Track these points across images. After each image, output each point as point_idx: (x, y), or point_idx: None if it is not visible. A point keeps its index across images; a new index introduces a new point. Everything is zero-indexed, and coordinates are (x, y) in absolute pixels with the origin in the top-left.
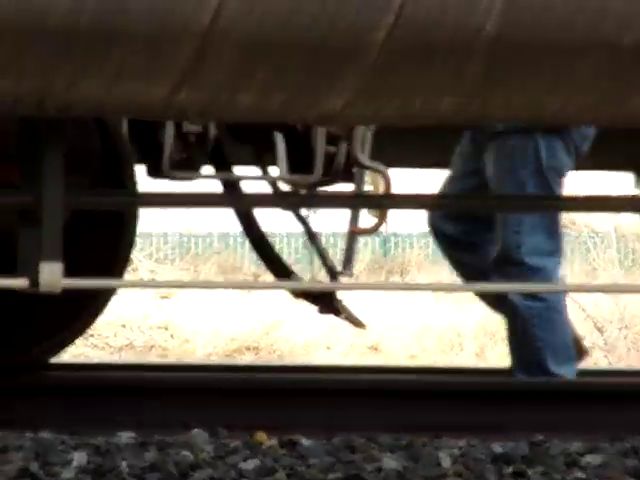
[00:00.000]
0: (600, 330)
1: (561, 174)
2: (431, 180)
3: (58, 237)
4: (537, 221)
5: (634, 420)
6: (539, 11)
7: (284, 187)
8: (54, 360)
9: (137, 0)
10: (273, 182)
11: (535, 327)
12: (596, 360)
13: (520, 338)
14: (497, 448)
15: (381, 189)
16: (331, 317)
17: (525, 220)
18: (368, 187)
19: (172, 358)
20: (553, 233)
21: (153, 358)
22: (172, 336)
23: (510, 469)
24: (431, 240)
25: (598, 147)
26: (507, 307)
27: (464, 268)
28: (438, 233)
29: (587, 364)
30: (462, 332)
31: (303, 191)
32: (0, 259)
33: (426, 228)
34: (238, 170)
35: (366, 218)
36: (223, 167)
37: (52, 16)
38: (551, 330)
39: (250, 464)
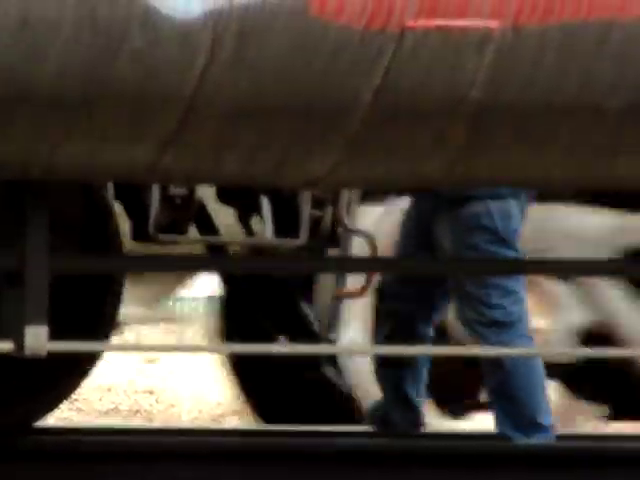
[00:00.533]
0: None
1: (518, 232)
2: None
3: (43, 300)
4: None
5: None
6: (523, 78)
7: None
8: (38, 424)
9: (121, 68)
10: (259, 245)
11: (525, 380)
12: None
13: (511, 396)
14: None
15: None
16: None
17: (491, 281)
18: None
19: (157, 422)
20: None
21: (138, 422)
22: (157, 400)
23: None
24: None
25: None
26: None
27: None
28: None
29: None
30: None
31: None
32: None
33: None
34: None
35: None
36: (209, 230)
37: (38, 82)
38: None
39: None
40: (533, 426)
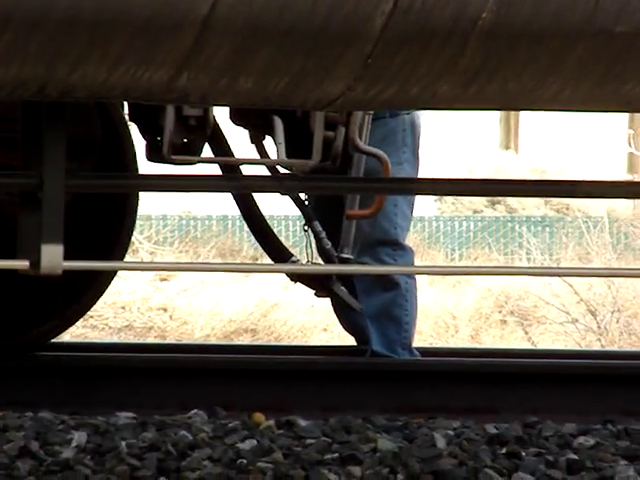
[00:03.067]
0: (593, 313)
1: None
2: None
3: (59, 220)
4: (407, 204)
5: (626, 402)
6: (533, 1)
7: (283, 171)
8: (54, 340)
9: None
10: (272, 166)
11: (407, 302)
12: (589, 343)
13: (391, 313)
14: (491, 429)
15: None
16: (328, 300)
17: (400, 202)
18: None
19: (171, 339)
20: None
21: (152, 339)
22: (171, 317)
23: (504, 450)
24: (427, 224)
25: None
26: (377, 284)
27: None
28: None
29: (580, 346)
30: (457, 315)
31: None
32: (2, 242)
33: (421, 212)
34: (238, 153)
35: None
36: (223, 151)
37: (56, 4)
38: (415, 307)
39: (247, 444)
40: (408, 350)
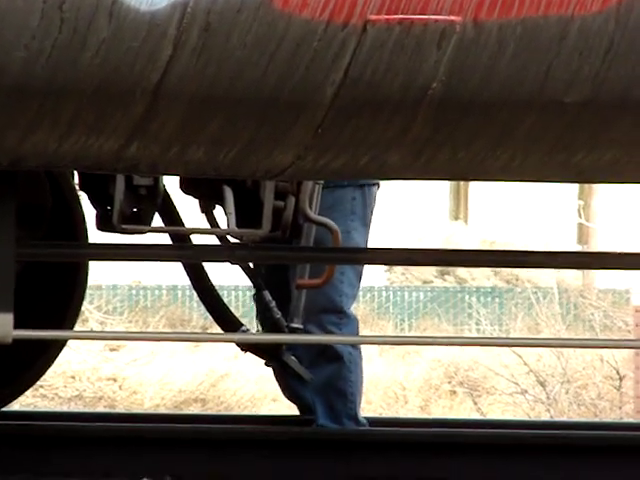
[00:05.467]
0: (542, 384)
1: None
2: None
3: (9, 289)
4: (355, 272)
5: (577, 473)
6: (484, 72)
7: (233, 241)
8: (4, 409)
9: (88, 57)
10: (222, 235)
11: (352, 374)
12: (538, 413)
13: (336, 386)
14: None
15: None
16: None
17: (347, 270)
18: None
19: (120, 409)
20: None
21: (102, 409)
22: (120, 387)
23: None
24: (376, 294)
25: None
26: (323, 356)
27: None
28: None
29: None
30: (406, 385)
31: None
32: None
33: (371, 282)
34: (188, 223)
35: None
36: (173, 220)
37: (5, 72)
38: (360, 377)
39: None
40: (355, 421)
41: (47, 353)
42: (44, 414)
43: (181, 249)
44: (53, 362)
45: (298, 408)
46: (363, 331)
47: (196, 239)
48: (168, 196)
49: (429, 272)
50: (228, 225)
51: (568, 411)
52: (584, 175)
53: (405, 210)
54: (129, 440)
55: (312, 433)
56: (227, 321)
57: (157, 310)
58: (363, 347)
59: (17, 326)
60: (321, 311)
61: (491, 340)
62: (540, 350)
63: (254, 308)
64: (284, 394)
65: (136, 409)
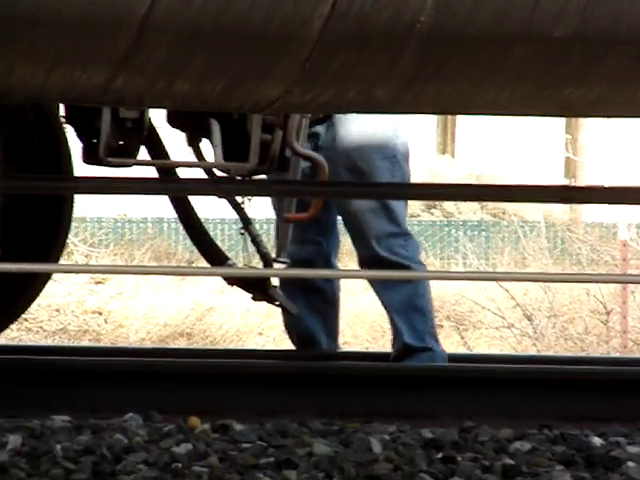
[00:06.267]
0: (529, 318)
1: None
2: None
3: None
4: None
5: (563, 407)
6: (472, 3)
7: (220, 174)
8: None
9: None
10: (209, 169)
11: (427, 292)
12: (525, 347)
13: (415, 304)
14: (427, 434)
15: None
16: (264, 304)
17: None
18: None
19: (106, 343)
20: None
21: (87, 342)
22: (106, 321)
23: (440, 455)
24: None
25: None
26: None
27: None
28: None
29: (516, 351)
30: None
31: (238, 178)
32: None
33: None
34: (174, 156)
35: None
36: (159, 153)
37: None
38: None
39: (183, 448)
40: (435, 339)
41: (32, 286)
42: (29, 348)
43: (167, 182)
44: (38, 295)
45: (296, 342)
46: (349, 265)
47: (182, 172)
48: (154, 129)
49: (416, 206)
50: (215, 158)
51: (555, 345)
52: (572, 110)
53: None
54: (114, 374)
55: (298, 367)
56: (213, 255)
57: (142, 243)
58: (350, 281)
59: (2, 259)
60: (389, 236)
61: (478, 274)
62: (527, 284)
63: (240, 242)
64: (285, 327)
65: (121, 343)
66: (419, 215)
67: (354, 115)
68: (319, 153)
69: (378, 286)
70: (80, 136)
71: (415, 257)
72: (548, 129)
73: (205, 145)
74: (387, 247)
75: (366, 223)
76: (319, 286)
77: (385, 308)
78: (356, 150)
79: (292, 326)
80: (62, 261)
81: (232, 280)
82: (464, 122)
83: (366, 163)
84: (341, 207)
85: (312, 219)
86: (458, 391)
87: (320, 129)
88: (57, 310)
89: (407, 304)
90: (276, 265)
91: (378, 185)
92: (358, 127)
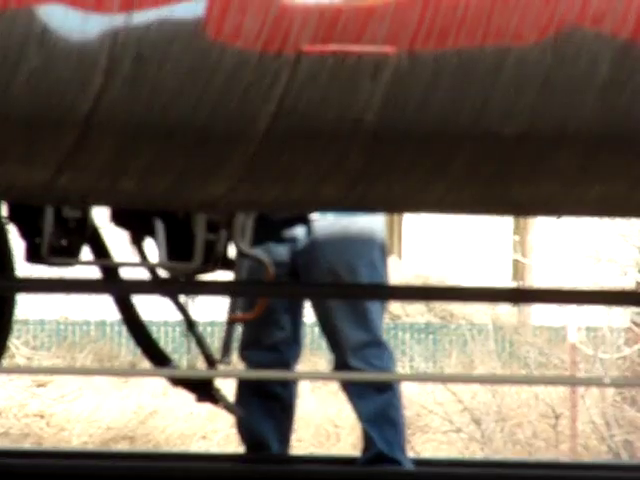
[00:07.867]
0: (477, 422)
1: None
2: None
3: None
4: (380, 303)
5: None
6: (419, 103)
7: (163, 274)
8: None
9: (18, 87)
10: (152, 269)
11: (400, 404)
12: (472, 452)
13: (388, 415)
14: None
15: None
16: (208, 406)
17: (375, 303)
18: None
19: (48, 446)
20: None
21: (29, 445)
22: (48, 424)
23: None
24: (309, 329)
25: None
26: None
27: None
28: (250, 362)
29: (464, 455)
30: (339, 423)
31: (182, 278)
32: None
33: (304, 318)
34: (117, 256)
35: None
36: (102, 253)
37: None
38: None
39: None
40: (403, 452)
41: None
42: None
43: (110, 282)
44: None
45: (247, 444)
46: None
47: (126, 272)
48: (97, 229)
49: None
50: (159, 258)
51: (503, 450)
52: (521, 209)
53: None
54: (56, 477)
55: (245, 472)
56: (156, 356)
57: (85, 345)
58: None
59: None
60: (364, 346)
61: (425, 376)
62: (475, 387)
63: (184, 344)
64: (237, 427)
65: (64, 446)
66: None
67: (332, 217)
68: (297, 258)
69: (352, 394)
70: (23, 235)
71: (389, 367)
72: (496, 230)
73: (149, 244)
74: (362, 358)
75: (342, 331)
76: (276, 392)
77: (358, 416)
78: (335, 255)
79: (245, 428)
80: (3, 363)
81: (176, 381)
82: (411, 222)
83: (347, 271)
84: (316, 310)
85: (273, 322)
86: None
87: (299, 232)
88: None
89: (379, 415)
90: (220, 366)
91: (323, 285)
92: (338, 230)
